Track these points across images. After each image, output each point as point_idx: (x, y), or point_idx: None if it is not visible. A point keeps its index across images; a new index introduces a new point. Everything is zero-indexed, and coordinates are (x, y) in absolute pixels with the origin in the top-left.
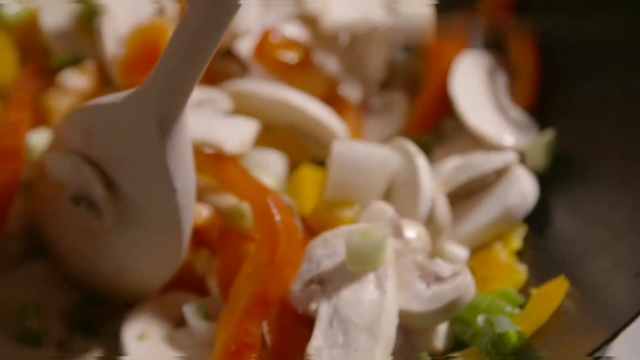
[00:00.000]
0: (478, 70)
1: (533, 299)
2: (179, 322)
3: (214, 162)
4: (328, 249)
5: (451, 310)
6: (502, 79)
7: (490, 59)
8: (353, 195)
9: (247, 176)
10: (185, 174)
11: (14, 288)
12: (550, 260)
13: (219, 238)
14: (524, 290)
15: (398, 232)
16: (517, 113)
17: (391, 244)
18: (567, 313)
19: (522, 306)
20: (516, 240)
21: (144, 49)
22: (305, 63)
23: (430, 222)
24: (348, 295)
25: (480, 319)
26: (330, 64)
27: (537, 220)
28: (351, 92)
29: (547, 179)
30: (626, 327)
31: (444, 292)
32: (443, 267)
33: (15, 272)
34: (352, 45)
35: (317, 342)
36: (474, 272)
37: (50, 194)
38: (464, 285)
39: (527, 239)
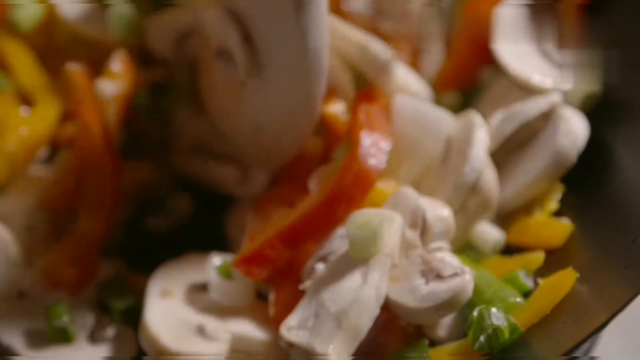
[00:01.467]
0: (518, 15)
1: (539, 289)
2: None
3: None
4: (345, 229)
5: (442, 311)
6: (544, 25)
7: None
8: (408, 151)
9: (374, 115)
10: (319, 37)
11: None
12: (611, 209)
13: (255, 203)
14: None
15: (415, 223)
16: (561, 56)
17: (398, 234)
18: (577, 297)
19: (529, 293)
20: (553, 203)
21: None
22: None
23: (474, 194)
24: (333, 280)
25: (475, 312)
26: (359, 5)
27: (594, 164)
28: (390, 25)
29: (601, 119)
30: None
31: (439, 291)
32: (446, 265)
33: (42, 260)
34: None
35: (292, 321)
36: (516, 245)
37: (202, 54)
38: (460, 287)
39: (582, 187)
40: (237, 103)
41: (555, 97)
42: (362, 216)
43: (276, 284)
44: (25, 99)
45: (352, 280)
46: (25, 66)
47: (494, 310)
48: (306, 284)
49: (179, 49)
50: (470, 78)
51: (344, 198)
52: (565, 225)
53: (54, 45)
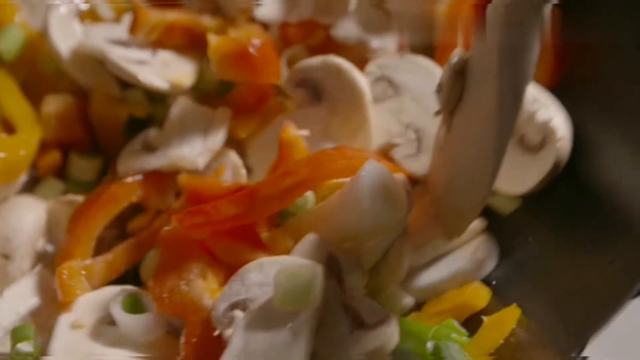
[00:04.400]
0: None
1: (484, 326)
2: None
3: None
4: (261, 276)
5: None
6: None
7: None
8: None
9: None
10: (521, 79)
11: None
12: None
13: (163, 237)
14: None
15: (332, 271)
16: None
17: (321, 284)
18: (517, 339)
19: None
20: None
21: None
22: (328, 43)
23: (385, 260)
24: (262, 333)
25: (429, 345)
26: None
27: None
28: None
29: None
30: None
31: (364, 339)
32: (370, 313)
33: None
34: None
35: None
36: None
37: None
38: (385, 335)
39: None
40: (440, 153)
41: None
42: (291, 267)
43: (186, 324)
44: (8, 126)
45: (282, 335)
46: (7, 94)
47: (449, 342)
48: (226, 333)
49: None
50: None
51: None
52: (484, 290)
53: (38, 75)
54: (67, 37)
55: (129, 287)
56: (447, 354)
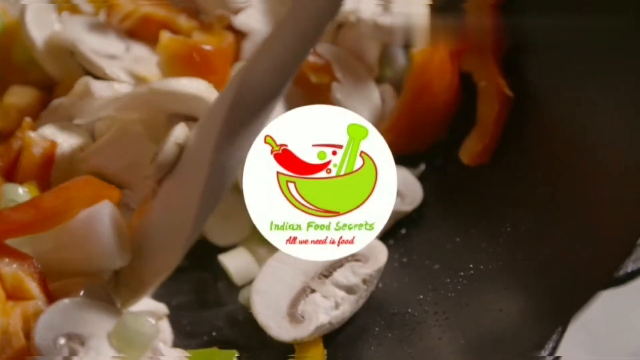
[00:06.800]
0: None
1: None
2: None
3: None
4: (87, 315)
5: None
6: None
7: None
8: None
9: None
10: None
11: None
12: None
13: None
14: None
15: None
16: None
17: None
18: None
19: None
20: None
21: None
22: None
23: None
24: None
25: None
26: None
27: None
28: None
29: None
30: None
31: None
32: None
33: None
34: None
35: None
36: None
37: None
38: None
39: None
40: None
41: None
42: (133, 314)
43: None
44: None
45: None
46: None
47: None
48: None
49: None
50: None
51: None
52: None
53: (10, 64)
54: (42, 27)
55: None
56: None
